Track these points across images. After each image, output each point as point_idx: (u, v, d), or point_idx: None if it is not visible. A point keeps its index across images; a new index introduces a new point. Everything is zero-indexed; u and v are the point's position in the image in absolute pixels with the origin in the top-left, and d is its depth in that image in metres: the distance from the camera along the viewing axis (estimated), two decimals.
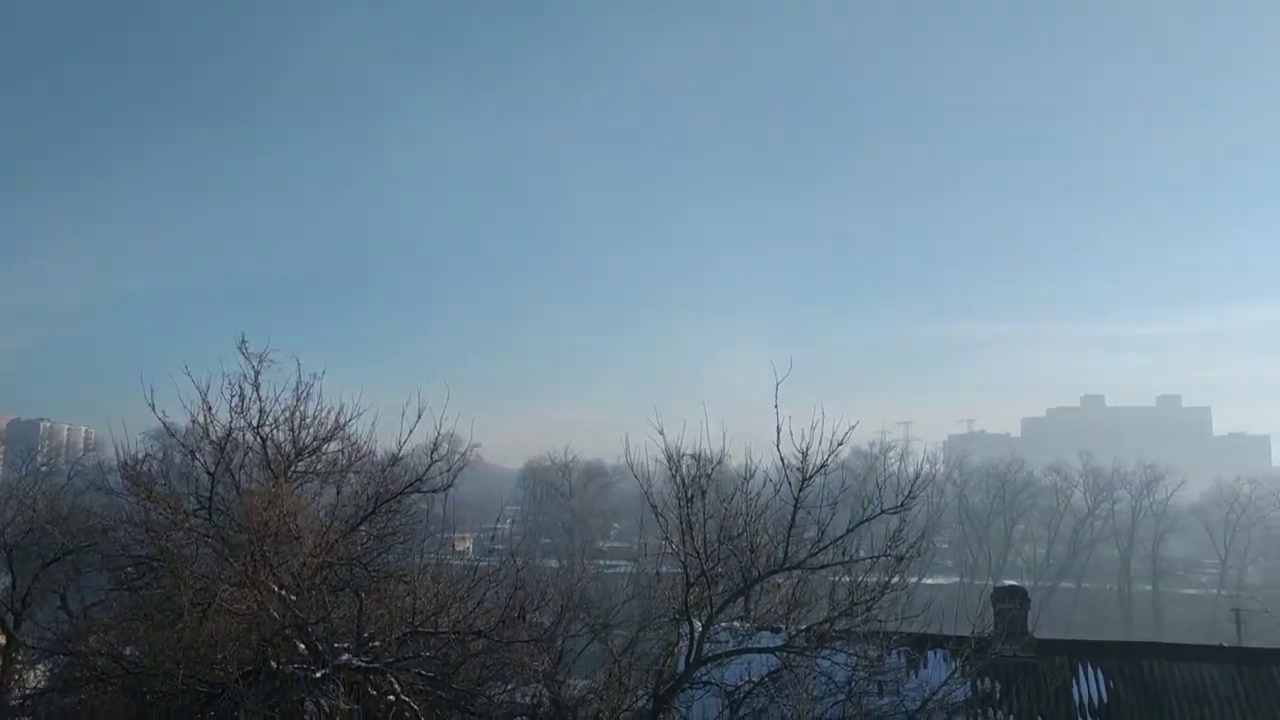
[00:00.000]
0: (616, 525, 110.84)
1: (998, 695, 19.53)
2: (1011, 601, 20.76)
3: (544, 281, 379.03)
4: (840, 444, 16.72)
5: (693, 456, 17.94)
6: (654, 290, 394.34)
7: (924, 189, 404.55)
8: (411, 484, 18.92)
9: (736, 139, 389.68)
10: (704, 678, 17.38)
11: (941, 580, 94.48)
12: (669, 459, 17.46)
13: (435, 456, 18.82)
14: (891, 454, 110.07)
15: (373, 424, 20.53)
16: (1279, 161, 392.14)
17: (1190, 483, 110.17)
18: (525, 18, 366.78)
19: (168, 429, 20.35)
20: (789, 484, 17.15)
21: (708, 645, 17.31)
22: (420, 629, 16.02)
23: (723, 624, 17.70)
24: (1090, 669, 20.08)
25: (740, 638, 17.67)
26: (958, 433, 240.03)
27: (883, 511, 16.93)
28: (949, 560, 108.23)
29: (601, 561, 71.53)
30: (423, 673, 16.24)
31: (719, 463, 18.03)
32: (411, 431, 18.40)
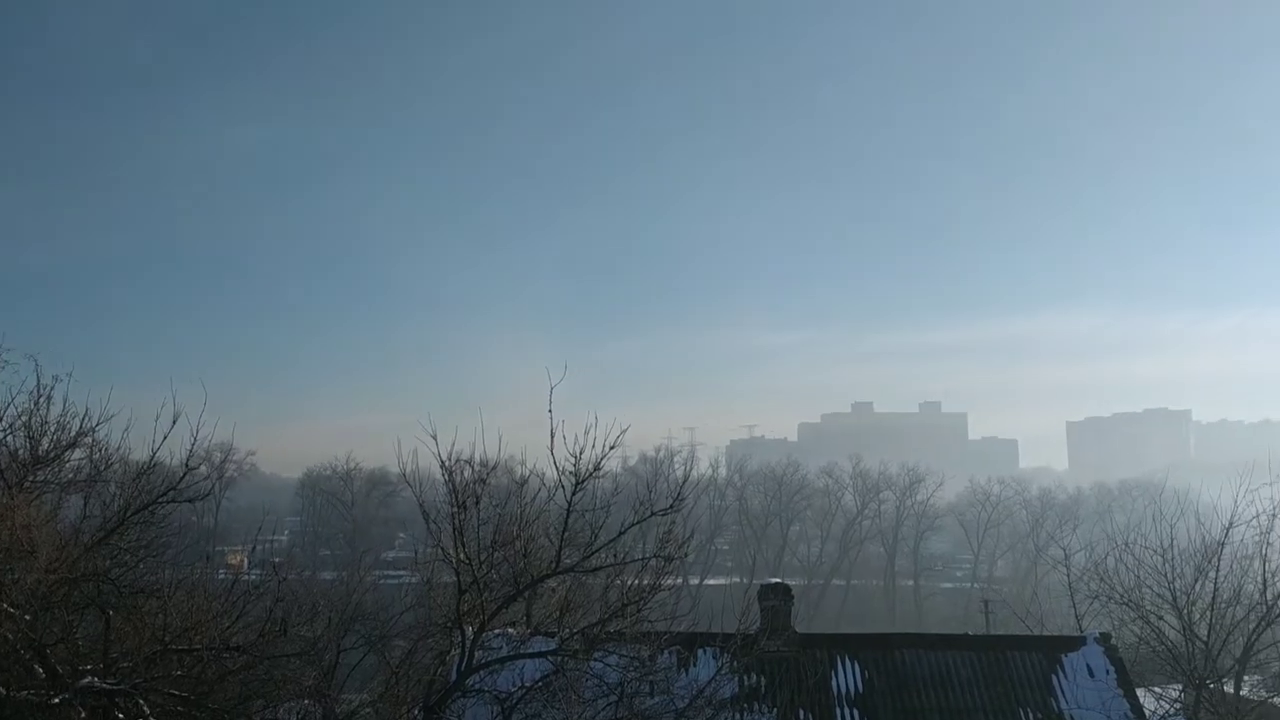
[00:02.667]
0: (402, 535, 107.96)
1: (763, 689, 20.32)
2: (776, 598, 21.62)
3: (324, 284, 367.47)
4: (612, 448, 16.88)
5: (468, 463, 17.77)
6: (439, 295, 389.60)
7: (708, 205, 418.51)
8: (164, 493, 17.77)
9: (526, 148, 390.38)
10: (476, 685, 17.19)
11: (722, 580, 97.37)
12: (441, 465, 17.23)
13: (191, 463, 17.78)
14: (676, 459, 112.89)
15: (125, 430, 19.27)
16: (1019, 190, 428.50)
17: (948, 484, 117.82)
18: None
19: None
20: (563, 489, 17.21)
21: (480, 653, 17.14)
22: (172, 646, 15.11)
23: (496, 631, 17.58)
24: (848, 661, 21.20)
25: (514, 644, 17.60)
26: (739, 438, 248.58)
27: (653, 514, 17.22)
28: (729, 561, 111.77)
29: (382, 572, 69.73)
30: (175, 693, 15.34)
31: (494, 468, 17.94)
32: (165, 438, 17.21)
